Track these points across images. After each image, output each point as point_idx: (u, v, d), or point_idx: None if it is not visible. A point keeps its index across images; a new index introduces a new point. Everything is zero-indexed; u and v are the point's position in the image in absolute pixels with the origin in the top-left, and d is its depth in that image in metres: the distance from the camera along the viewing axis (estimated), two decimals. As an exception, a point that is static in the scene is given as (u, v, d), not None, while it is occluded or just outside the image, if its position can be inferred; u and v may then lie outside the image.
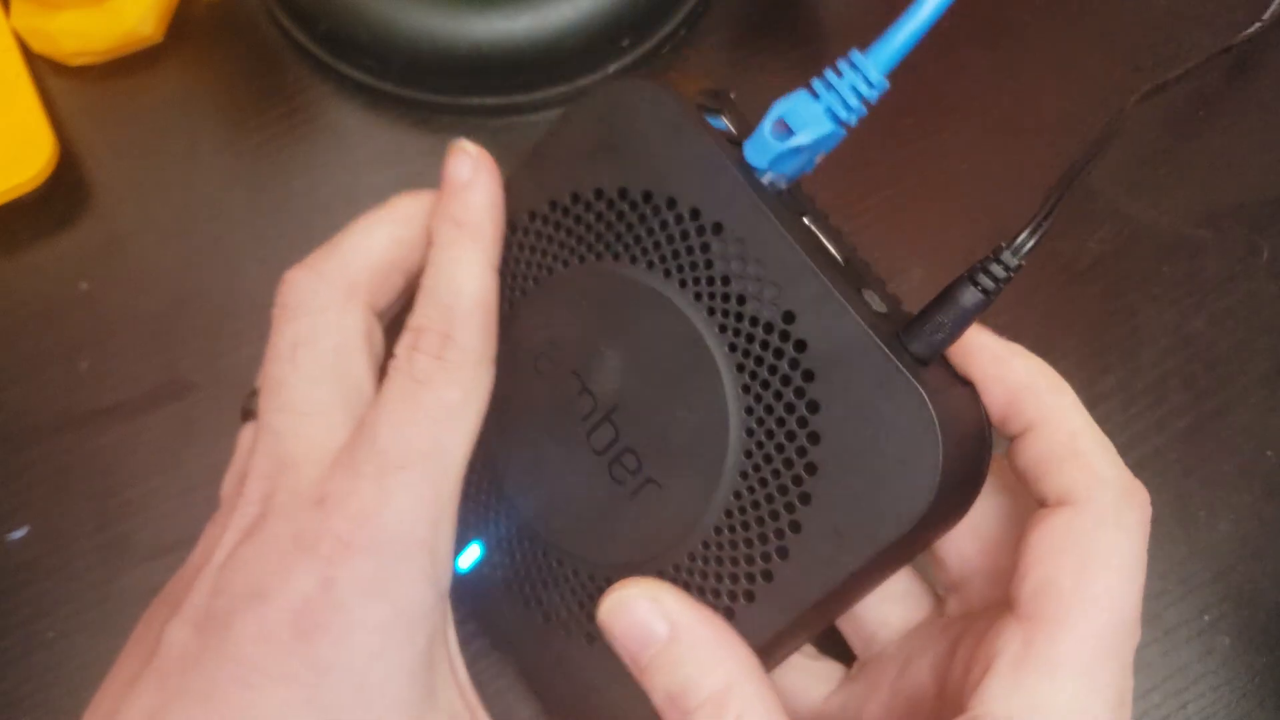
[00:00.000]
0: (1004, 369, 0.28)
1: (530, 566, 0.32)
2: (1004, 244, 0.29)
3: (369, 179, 0.44)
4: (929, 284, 0.34)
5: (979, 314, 0.28)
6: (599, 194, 0.31)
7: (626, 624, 0.27)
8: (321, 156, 0.45)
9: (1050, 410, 0.28)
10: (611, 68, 0.45)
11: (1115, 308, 0.41)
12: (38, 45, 0.45)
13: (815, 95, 0.28)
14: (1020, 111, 0.45)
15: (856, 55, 0.28)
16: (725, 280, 0.29)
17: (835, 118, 0.28)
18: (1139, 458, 0.39)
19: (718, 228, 0.29)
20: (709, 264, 0.29)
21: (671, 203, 0.29)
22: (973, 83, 0.45)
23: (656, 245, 0.30)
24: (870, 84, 0.28)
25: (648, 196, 0.30)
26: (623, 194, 0.30)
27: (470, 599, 0.33)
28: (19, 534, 0.38)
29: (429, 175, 0.30)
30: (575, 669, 0.31)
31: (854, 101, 0.28)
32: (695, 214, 0.29)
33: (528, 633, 0.32)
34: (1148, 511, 0.27)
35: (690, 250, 0.29)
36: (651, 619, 0.27)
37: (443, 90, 0.45)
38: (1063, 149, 0.43)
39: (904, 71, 0.28)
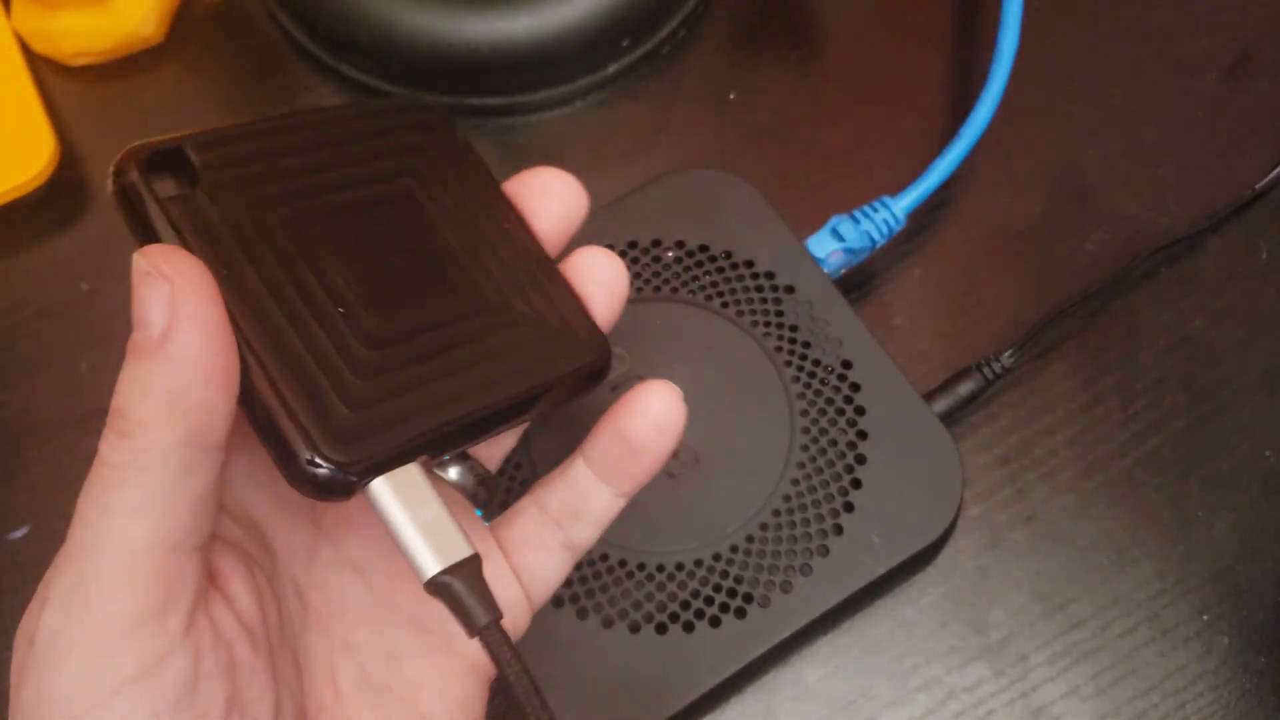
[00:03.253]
0: None
1: None
2: (994, 354, 0.39)
3: (369, 179, 0.44)
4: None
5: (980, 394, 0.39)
6: (680, 244, 0.39)
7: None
8: (322, 157, 0.45)
9: None
10: (611, 68, 0.46)
11: (1114, 308, 0.41)
12: (39, 46, 0.45)
13: (857, 220, 0.40)
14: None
15: (888, 199, 0.41)
16: (794, 329, 0.38)
17: (870, 238, 0.40)
18: (1138, 457, 0.39)
19: (790, 289, 0.39)
20: (779, 314, 0.38)
21: (750, 264, 0.39)
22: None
23: (733, 292, 0.39)
24: (896, 219, 0.40)
25: (728, 255, 0.39)
26: (703, 248, 0.39)
27: None
28: (19, 534, 0.38)
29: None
30: (611, 658, 0.34)
31: (883, 230, 0.40)
32: (770, 275, 0.39)
33: (558, 624, 0.34)
34: None
35: (765, 302, 0.39)
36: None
37: (442, 90, 0.45)
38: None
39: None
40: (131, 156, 0.22)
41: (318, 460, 0.21)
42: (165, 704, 0.21)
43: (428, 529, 0.23)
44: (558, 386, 0.26)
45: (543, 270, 0.27)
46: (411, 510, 0.23)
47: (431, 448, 0.23)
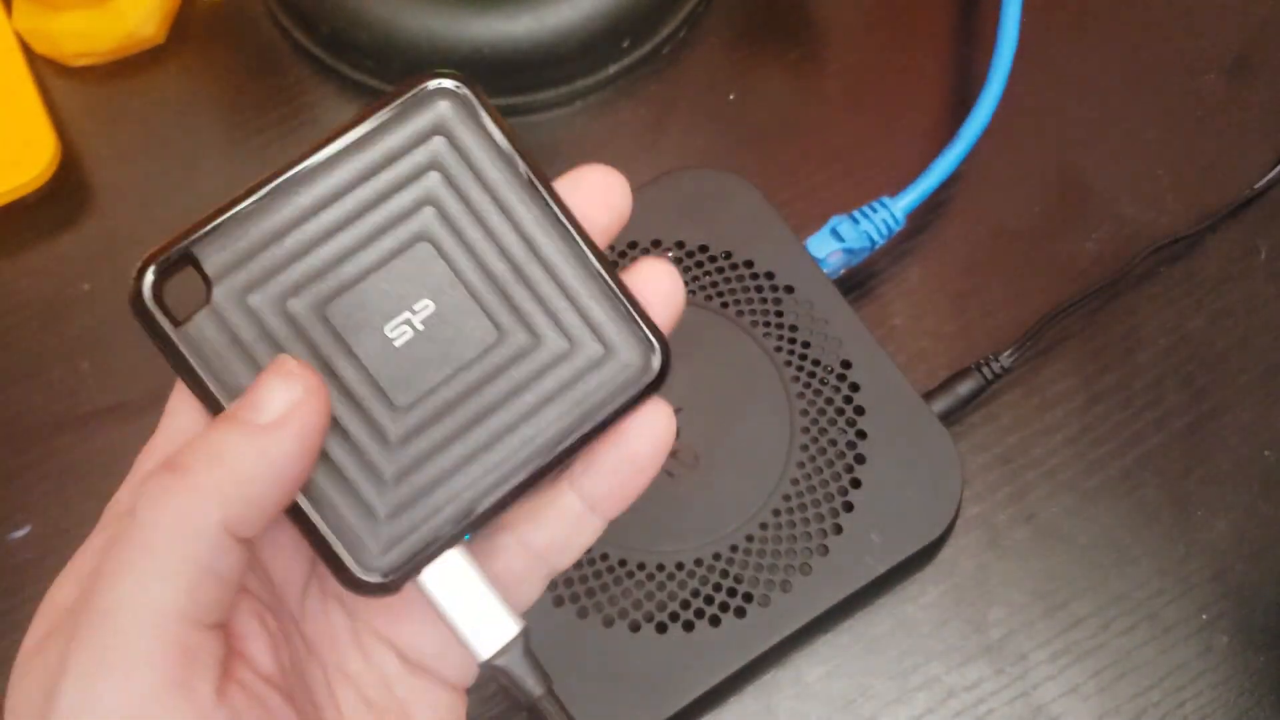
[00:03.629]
0: None
1: None
2: (993, 354, 0.39)
3: (369, 179, 0.44)
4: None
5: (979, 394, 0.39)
6: (680, 244, 0.39)
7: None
8: (322, 157, 0.45)
9: None
10: (612, 68, 0.46)
11: (1113, 307, 0.41)
12: (40, 46, 0.45)
13: (856, 220, 0.40)
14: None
15: (887, 200, 0.41)
16: (793, 329, 0.38)
17: (870, 238, 0.40)
18: (1137, 457, 0.39)
19: (790, 289, 0.39)
20: (779, 314, 0.38)
21: (750, 264, 0.39)
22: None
23: (732, 292, 0.39)
24: (895, 220, 0.41)
25: (728, 255, 0.39)
26: (703, 249, 0.39)
27: None
28: (20, 534, 0.38)
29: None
30: (611, 656, 0.34)
31: (882, 231, 0.40)
32: (770, 275, 0.39)
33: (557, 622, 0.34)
34: None
35: (764, 302, 0.38)
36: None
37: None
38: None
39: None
40: (140, 278, 0.23)
41: (362, 577, 0.23)
42: None
43: (474, 612, 0.24)
44: (608, 418, 0.25)
45: (584, 273, 0.25)
46: (456, 595, 0.24)
47: (472, 527, 0.24)
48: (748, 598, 0.34)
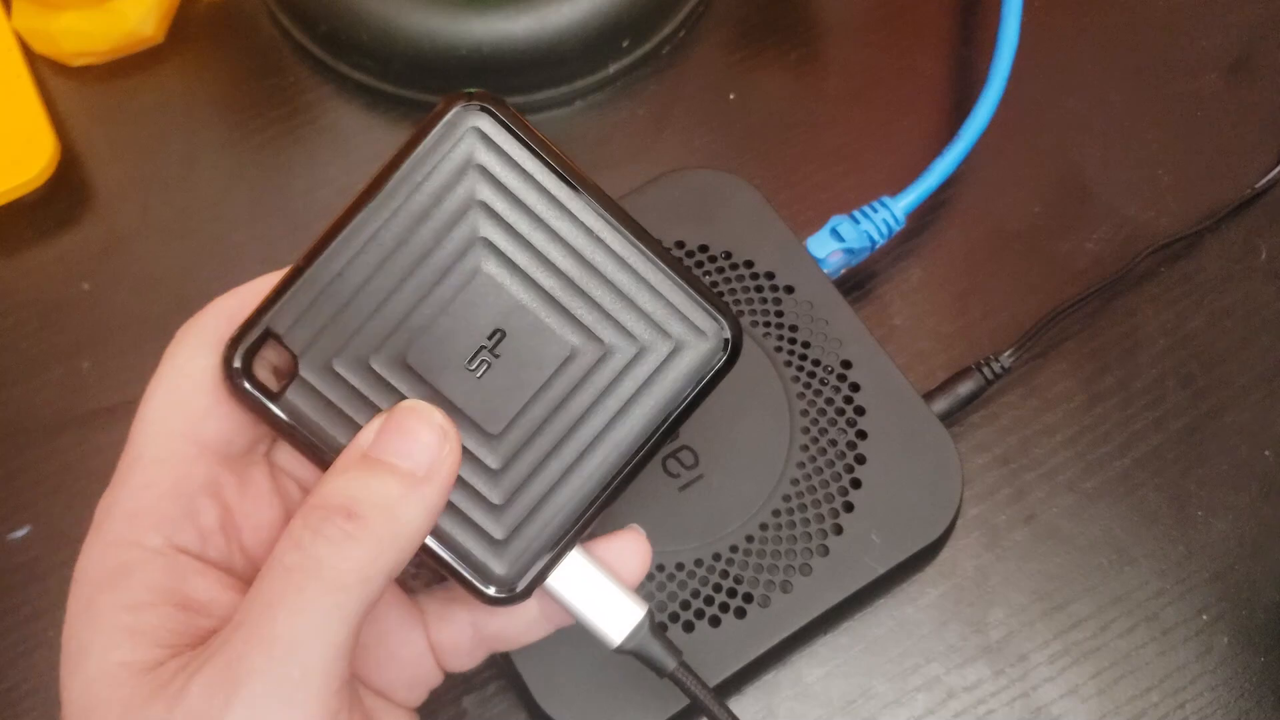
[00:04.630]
0: None
1: None
2: (993, 354, 0.39)
3: (369, 179, 0.44)
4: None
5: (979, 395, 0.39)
6: (680, 244, 0.39)
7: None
8: (322, 157, 0.45)
9: None
10: (612, 68, 0.46)
11: (1113, 307, 0.41)
12: (39, 46, 0.45)
13: (856, 221, 0.40)
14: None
15: (887, 200, 0.41)
16: (793, 329, 0.38)
17: (870, 238, 0.40)
18: (1137, 457, 0.39)
19: (789, 289, 0.38)
20: (779, 314, 0.38)
21: (750, 264, 0.39)
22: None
23: (732, 292, 0.38)
24: (896, 220, 0.41)
25: (728, 255, 0.39)
26: (703, 249, 0.39)
27: None
28: (20, 534, 0.38)
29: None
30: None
31: (882, 231, 0.40)
32: (770, 275, 0.39)
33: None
34: None
35: (764, 302, 0.38)
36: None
37: (443, 91, 0.44)
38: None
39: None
40: (229, 363, 0.25)
41: (495, 595, 0.26)
42: None
43: (599, 604, 0.26)
44: (689, 403, 0.26)
45: (640, 267, 0.26)
46: (581, 591, 0.26)
47: (585, 527, 0.26)
48: (748, 598, 0.34)
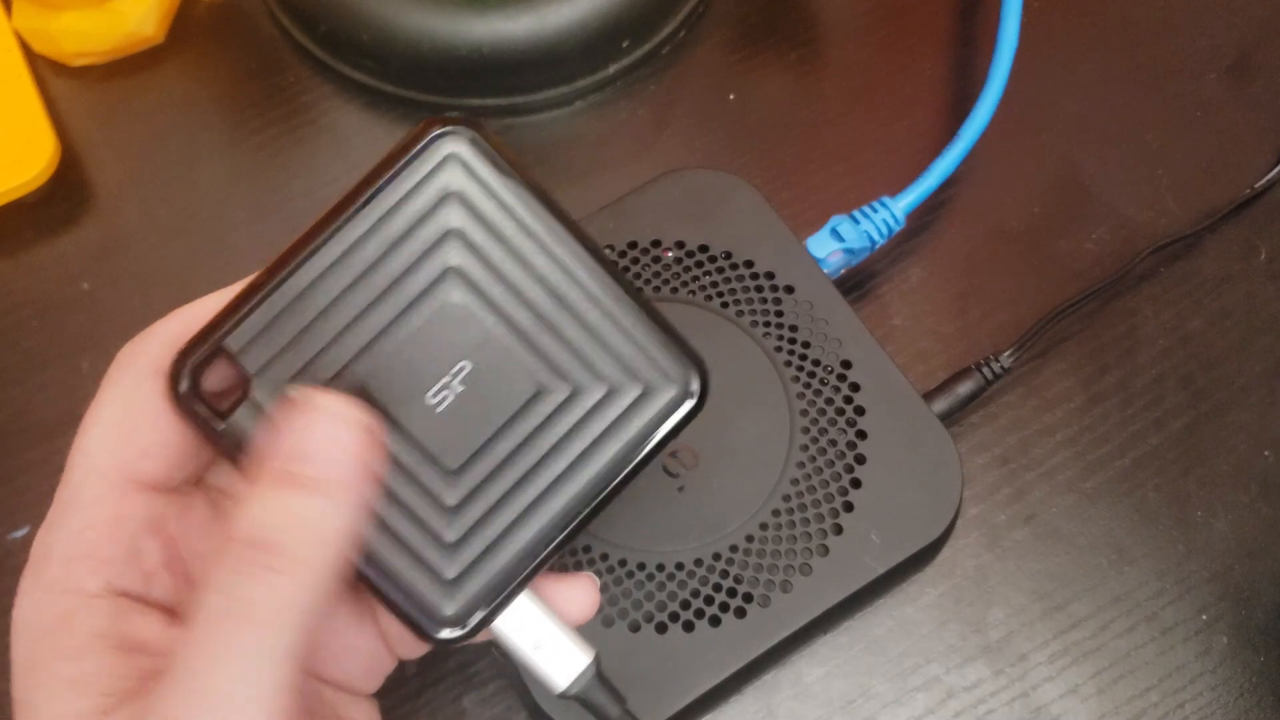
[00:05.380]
0: None
1: None
2: (993, 354, 0.39)
3: (369, 179, 0.44)
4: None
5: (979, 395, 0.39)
6: (680, 244, 0.39)
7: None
8: (322, 157, 0.45)
9: None
10: (612, 68, 0.46)
11: (1113, 308, 0.41)
12: (39, 46, 0.45)
13: (856, 221, 0.40)
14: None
15: (887, 200, 0.41)
16: (793, 329, 0.38)
17: (870, 238, 0.40)
18: (1137, 457, 0.39)
19: (789, 289, 0.38)
20: (779, 314, 0.38)
21: (750, 264, 0.39)
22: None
23: (732, 292, 0.38)
24: (895, 220, 0.41)
25: (728, 255, 0.39)
26: (703, 249, 0.39)
27: None
28: (19, 534, 0.38)
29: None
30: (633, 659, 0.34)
31: (882, 231, 0.40)
32: (770, 275, 0.39)
33: None
34: None
35: (764, 302, 0.38)
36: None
37: (443, 91, 0.45)
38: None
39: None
40: (177, 379, 0.24)
41: (439, 636, 0.25)
42: None
43: (545, 650, 0.26)
44: (654, 448, 0.25)
45: (611, 308, 0.25)
46: (526, 636, 0.26)
47: (535, 572, 0.25)
48: (748, 598, 0.34)
